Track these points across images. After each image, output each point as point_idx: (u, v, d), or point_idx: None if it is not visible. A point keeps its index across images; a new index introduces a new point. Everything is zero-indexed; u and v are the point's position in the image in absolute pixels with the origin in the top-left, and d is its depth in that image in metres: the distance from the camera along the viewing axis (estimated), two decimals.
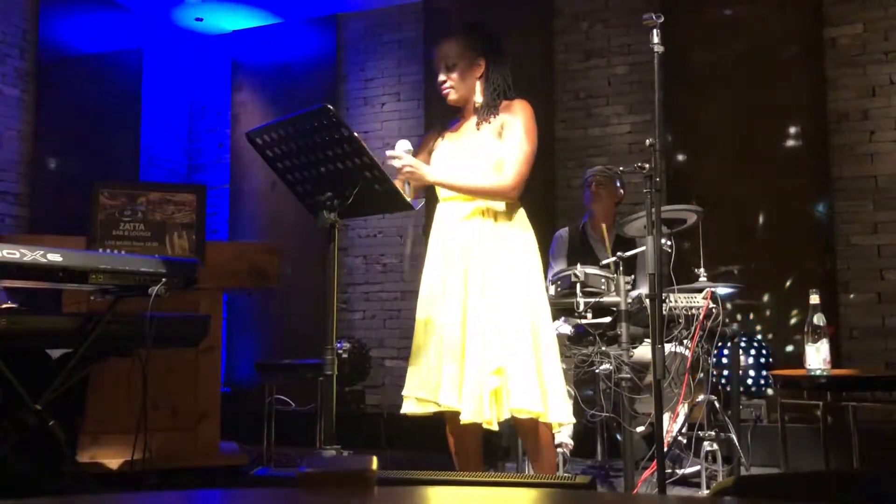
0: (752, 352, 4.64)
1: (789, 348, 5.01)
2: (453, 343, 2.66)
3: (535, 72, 5.62)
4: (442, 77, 2.85)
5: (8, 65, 5.53)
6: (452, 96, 2.86)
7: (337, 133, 2.35)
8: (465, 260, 2.71)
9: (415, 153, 2.81)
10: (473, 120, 2.85)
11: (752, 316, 5.16)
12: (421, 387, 2.73)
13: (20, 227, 5.46)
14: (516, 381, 2.58)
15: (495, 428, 2.59)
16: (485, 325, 2.62)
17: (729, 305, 4.89)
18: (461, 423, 2.60)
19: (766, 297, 5.13)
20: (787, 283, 5.07)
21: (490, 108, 2.80)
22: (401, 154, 2.66)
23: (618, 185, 4.40)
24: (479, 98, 2.85)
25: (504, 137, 2.75)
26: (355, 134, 2.36)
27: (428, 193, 3.07)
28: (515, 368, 2.59)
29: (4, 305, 3.15)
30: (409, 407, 2.76)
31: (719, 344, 3.88)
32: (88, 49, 6.01)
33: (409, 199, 2.50)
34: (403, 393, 2.79)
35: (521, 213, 2.82)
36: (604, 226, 4.07)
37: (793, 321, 5.03)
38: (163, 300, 2.69)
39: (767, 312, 5.14)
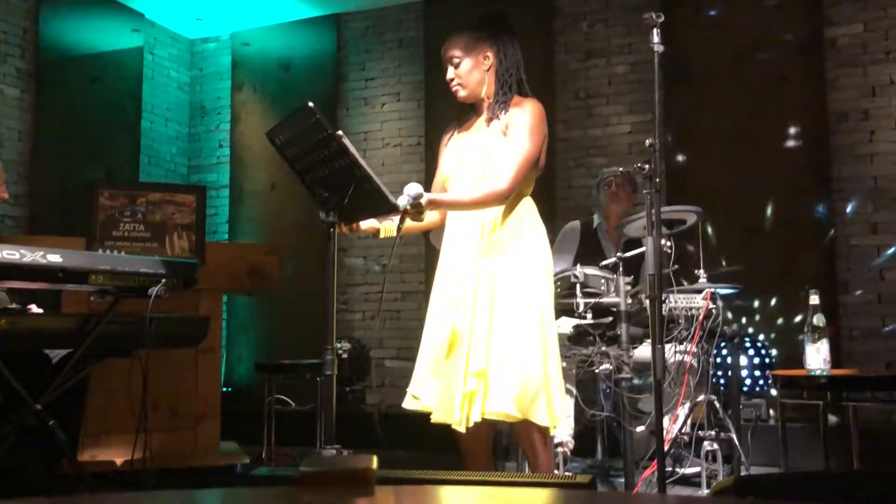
0: (752, 352, 4.64)
1: (789, 348, 5.00)
2: (443, 345, 2.69)
3: (535, 72, 5.61)
4: (449, 75, 2.82)
5: (8, 65, 5.54)
6: (461, 93, 2.83)
7: (322, 133, 2.35)
8: (469, 264, 2.71)
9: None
10: (485, 116, 2.82)
11: (752, 316, 5.16)
12: (416, 386, 2.77)
13: (20, 228, 5.46)
14: (498, 384, 2.57)
15: (462, 430, 2.58)
16: (479, 329, 2.63)
17: (729, 306, 4.89)
18: (432, 421, 2.64)
19: (766, 297, 5.13)
20: (787, 283, 5.07)
21: (500, 104, 2.76)
22: (411, 196, 2.58)
23: (634, 188, 4.39)
24: (486, 92, 2.80)
25: (507, 136, 2.71)
26: (339, 132, 2.35)
27: None
28: (501, 371, 2.58)
29: (9, 306, 3.15)
30: (407, 403, 2.80)
31: (719, 344, 3.87)
32: (88, 49, 6.01)
33: (394, 201, 2.47)
34: (408, 389, 2.83)
35: (526, 208, 2.77)
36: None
37: (793, 321, 5.03)
38: (163, 301, 2.69)
39: (767, 312, 5.14)
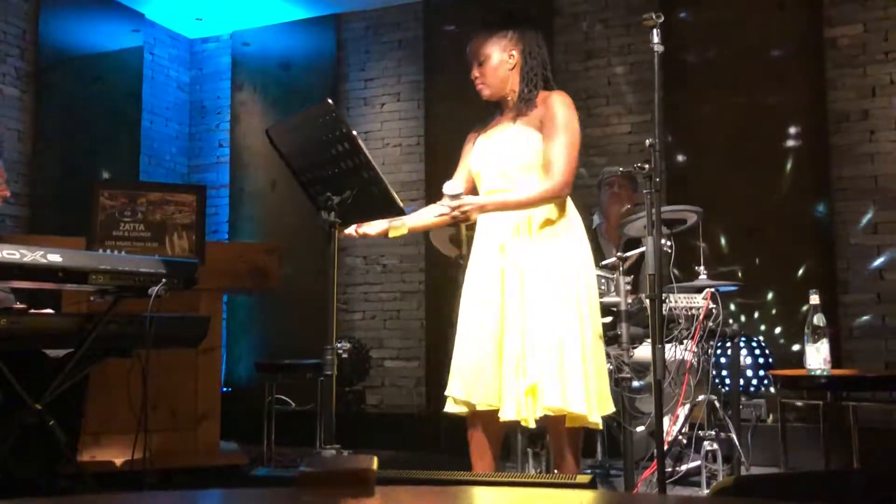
0: (752, 352, 4.64)
1: (789, 348, 5.00)
2: (493, 344, 2.66)
3: None
4: (474, 73, 2.82)
5: (8, 65, 5.53)
6: (485, 92, 2.83)
7: (337, 130, 2.35)
8: (506, 260, 2.70)
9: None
10: (510, 114, 2.81)
11: (752, 316, 5.16)
12: (460, 388, 2.72)
13: (20, 228, 5.45)
14: (547, 379, 2.57)
15: (532, 425, 2.58)
16: (523, 325, 2.62)
17: (730, 306, 4.89)
18: (501, 420, 2.60)
19: (766, 297, 5.13)
20: (787, 283, 5.07)
21: (527, 102, 2.75)
22: (451, 197, 2.59)
23: (635, 187, 4.37)
24: (511, 90, 2.79)
25: (546, 135, 2.70)
26: (353, 132, 2.36)
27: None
28: (547, 367, 2.57)
29: (13, 305, 3.15)
30: (449, 407, 2.76)
31: (719, 344, 3.88)
32: (88, 49, 6.01)
33: (401, 205, 2.48)
34: (445, 393, 2.78)
35: (563, 204, 2.76)
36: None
37: (793, 321, 5.02)
38: (163, 300, 2.69)
39: (767, 312, 5.14)
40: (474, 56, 2.82)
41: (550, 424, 2.69)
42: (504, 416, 2.60)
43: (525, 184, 2.70)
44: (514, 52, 2.79)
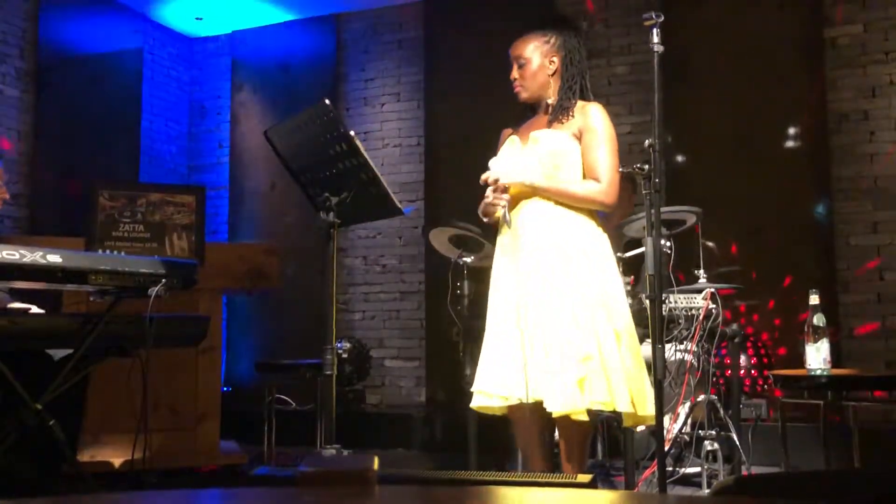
0: (752, 352, 4.64)
1: (789, 348, 5.00)
2: (534, 337, 2.61)
3: None
4: (513, 75, 2.85)
5: (8, 65, 5.53)
6: (522, 95, 2.85)
7: (334, 130, 2.36)
8: (536, 257, 2.69)
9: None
10: (546, 119, 2.82)
11: (752, 316, 5.16)
12: (494, 381, 2.67)
13: (20, 228, 5.45)
14: (594, 374, 2.54)
15: (585, 418, 2.54)
16: (564, 317, 2.59)
17: (729, 306, 4.89)
18: (554, 415, 2.55)
19: (766, 297, 5.12)
20: (787, 283, 5.07)
21: (563, 109, 2.78)
22: (492, 167, 2.64)
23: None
24: (552, 97, 2.81)
25: (587, 145, 2.74)
26: (351, 132, 2.36)
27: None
28: (595, 360, 2.55)
29: (13, 305, 3.15)
30: (479, 401, 2.70)
31: (719, 344, 3.88)
32: (88, 49, 6.00)
33: (399, 205, 2.49)
34: (475, 388, 2.72)
35: (593, 214, 2.79)
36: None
37: (793, 321, 5.02)
38: (163, 301, 2.69)
39: (767, 312, 5.14)
40: (516, 57, 2.84)
41: (562, 422, 2.67)
42: (555, 410, 2.52)
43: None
44: (554, 59, 2.82)
